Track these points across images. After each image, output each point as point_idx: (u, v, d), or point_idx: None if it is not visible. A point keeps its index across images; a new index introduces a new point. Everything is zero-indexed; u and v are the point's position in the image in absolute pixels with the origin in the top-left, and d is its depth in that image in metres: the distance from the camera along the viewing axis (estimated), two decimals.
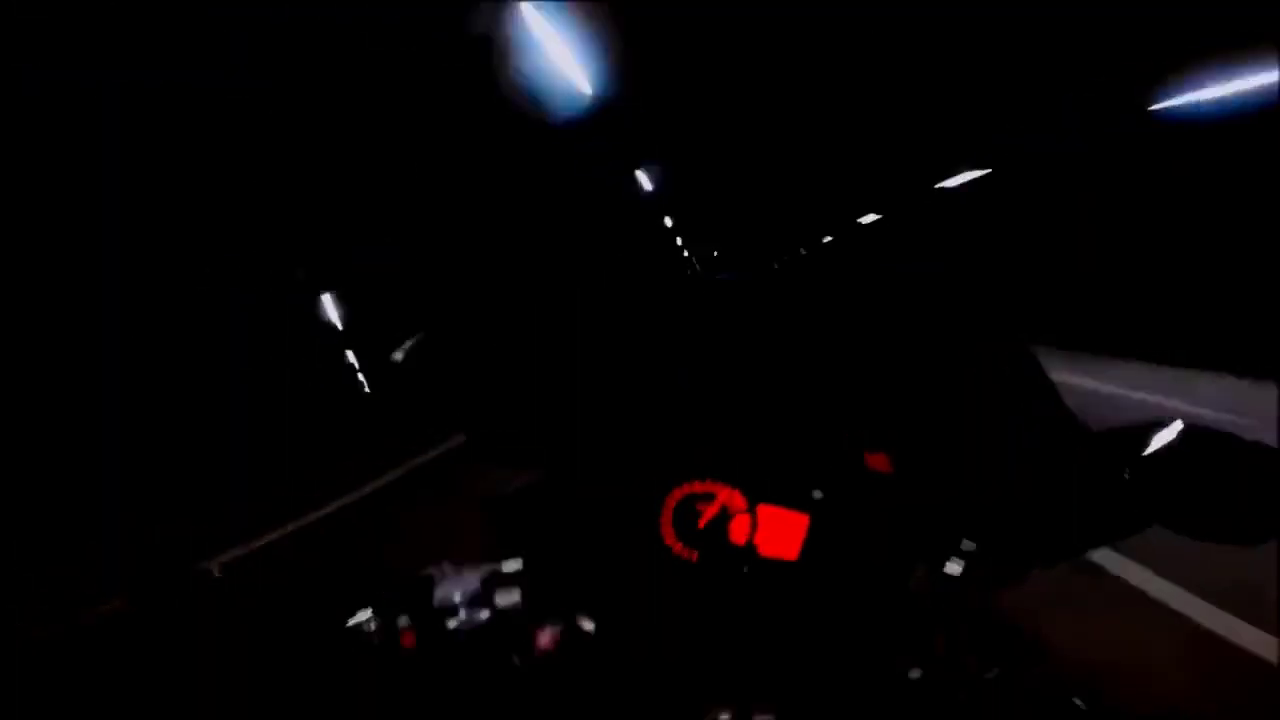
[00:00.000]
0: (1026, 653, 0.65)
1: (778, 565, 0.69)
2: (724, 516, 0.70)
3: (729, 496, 0.70)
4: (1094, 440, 0.68)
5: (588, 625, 0.63)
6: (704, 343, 0.84)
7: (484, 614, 0.63)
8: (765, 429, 0.77)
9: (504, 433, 0.78)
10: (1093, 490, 0.68)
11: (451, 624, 0.62)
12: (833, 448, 0.74)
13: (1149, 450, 0.67)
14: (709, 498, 0.71)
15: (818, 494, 0.71)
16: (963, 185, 12.33)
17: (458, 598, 0.63)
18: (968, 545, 0.70)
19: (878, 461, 0.74)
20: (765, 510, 0.70)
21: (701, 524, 0.70)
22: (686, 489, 0.71)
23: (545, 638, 0.62)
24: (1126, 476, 0.66)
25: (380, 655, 0.60)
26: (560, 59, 9.06)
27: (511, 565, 0.66)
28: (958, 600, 0.70)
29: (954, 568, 0.69)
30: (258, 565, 3.15)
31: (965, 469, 0.73)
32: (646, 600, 0.66)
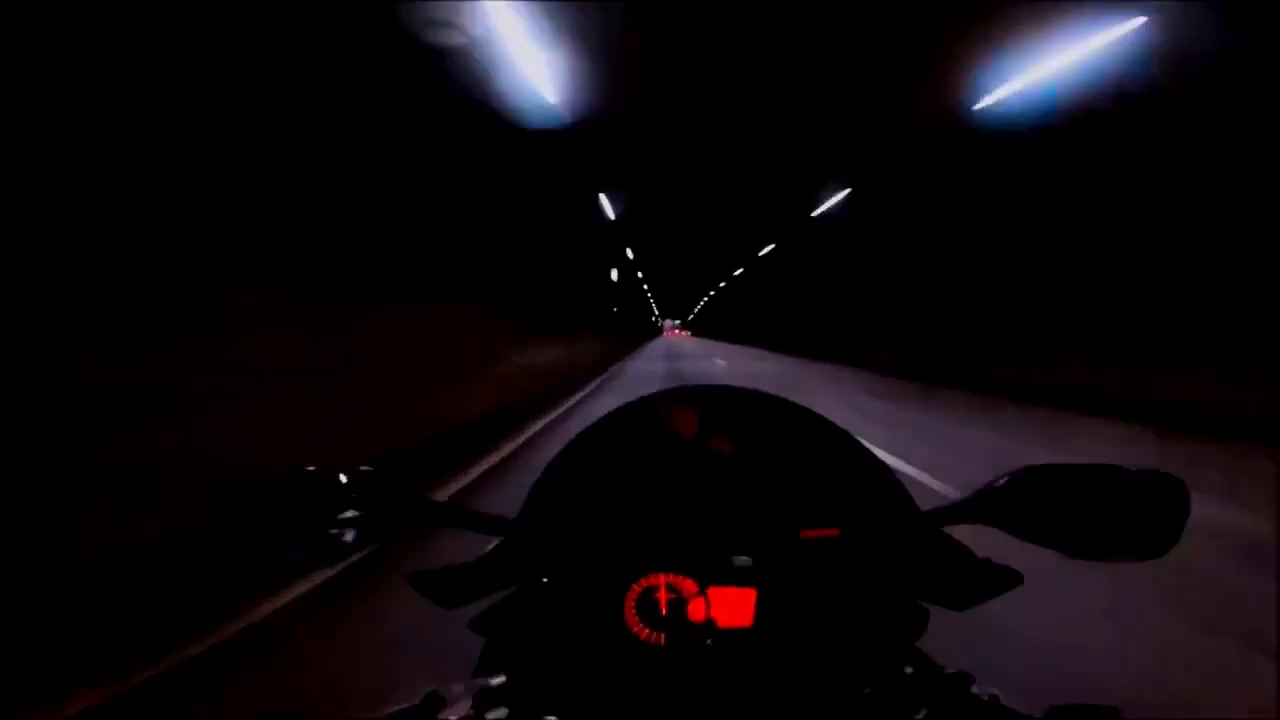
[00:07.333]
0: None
1: (737, 633, 0.78)
2: (681, 600, 0.79)
3: (680, 584, 0.79)
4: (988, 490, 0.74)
5: None
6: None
7: None
8: (705, 523, 0.86)
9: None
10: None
11: None
12: (768, 533, 0.82)
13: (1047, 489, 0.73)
14: (663, 588, 0.79)
15: (759, 567, 0.79)
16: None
17: (454, 718, 0.71)
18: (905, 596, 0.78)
19: (816, 532, 0.82)
20: (716, 591, 0.79)
21: (663, 611, 0.79)
22: (643, 583, 0.80)
23: None
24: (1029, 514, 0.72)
25: None
26: (533, 71, 9.03)
27: (497, 680, 0.74)
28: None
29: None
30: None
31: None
32: (627, 684, 0.74)
